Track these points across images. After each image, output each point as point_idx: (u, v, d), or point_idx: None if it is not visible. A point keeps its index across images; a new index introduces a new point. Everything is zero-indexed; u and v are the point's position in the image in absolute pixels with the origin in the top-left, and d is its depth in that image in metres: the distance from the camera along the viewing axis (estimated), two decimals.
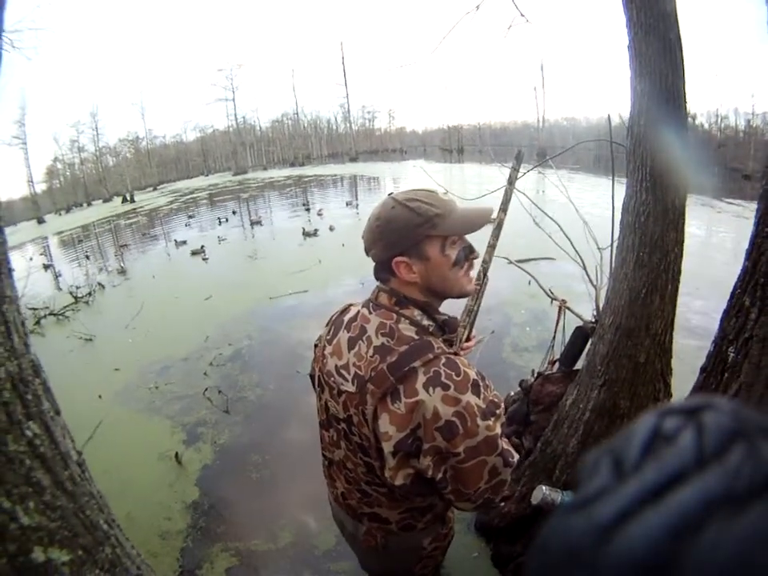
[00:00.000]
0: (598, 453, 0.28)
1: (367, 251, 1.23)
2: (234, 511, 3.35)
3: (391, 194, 1.19)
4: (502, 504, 2.63)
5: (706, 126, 35.46)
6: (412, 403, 1.05)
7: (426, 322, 1.18)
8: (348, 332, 1.24)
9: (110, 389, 5.37)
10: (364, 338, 1.18)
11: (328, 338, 1.33)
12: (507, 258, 3.56)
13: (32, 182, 43.99)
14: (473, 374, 1.09)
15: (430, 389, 1.04)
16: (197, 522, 3.26)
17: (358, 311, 1.27)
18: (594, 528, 0.23)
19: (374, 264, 1.24)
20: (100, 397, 5.19)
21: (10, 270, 1.15)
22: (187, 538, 3.12)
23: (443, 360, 1.08)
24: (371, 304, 1.23)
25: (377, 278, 1.26)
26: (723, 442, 0.24)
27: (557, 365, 3.13)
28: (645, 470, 0.24)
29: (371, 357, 1.13)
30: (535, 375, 3.16)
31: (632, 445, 0.26)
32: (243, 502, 3.42)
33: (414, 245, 1.14)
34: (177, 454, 3.92)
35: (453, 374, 1.06)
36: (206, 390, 4.98)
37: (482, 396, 1.07)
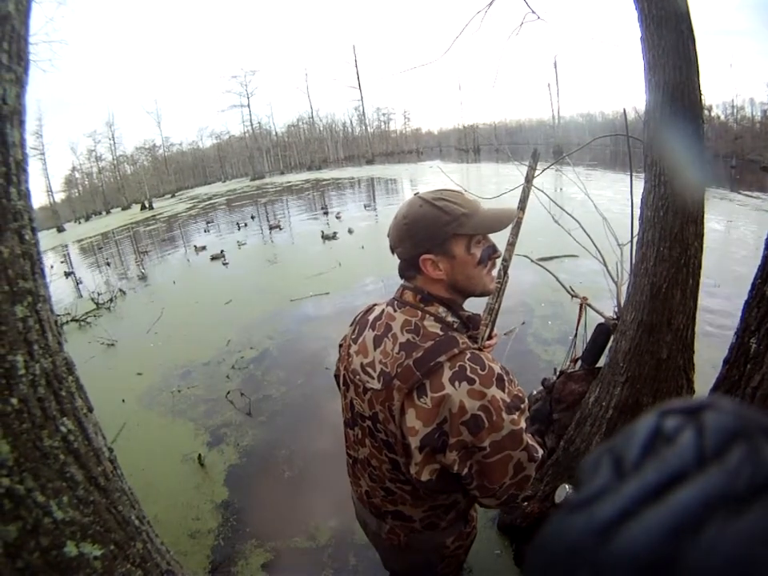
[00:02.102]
0: (598, 452, 0.28)
1: (393, 249, 1.24)
2: (265, 509, 3.37)
3: (417, 193, 1.21)
4: (525, 504, 2.62)
5: (722, 117, 34.65)
6: (438, 397, 1.06)
7: (450, 319, 1.19)
8: (373, 330, 1.26)
9: (133, 393, 5.44)
10: (389, 336, 1.19)
11: (353, 337, 1.34)
12: (529, 257, 3.55)
13: (51, 191, 44.86)
14: (497, 369, 1.10)
15: (456, 383, 1.05)
16: (227, 520, 3.28)
17: (383, 310, 1.28)
18: (595, 527, 0.24)
19: (399, 262, 1.25)
20: (123, 401, 5.26)
21: (43, 271, 1.19)
22: (218, 537, 3.15)
23: (468, 355, 1.09)
24: (396, 302, 1.24)
25: (402, 276, 1.27)
26: (723, 442, 0.24)
27: (579, 363, 3.11)
28: (645, 470, 0.25)
29: (397, 353, 1.15)
30: (557, 373, 3.14)
31: (632, 444, 0.26)
32: (274, 500, 3.44)
33: (440, 243, 1.15)
34: (200, 455, 3.96)
35: (478, 368, 1.07)
36: (229, 392, 5.02)
37: (506, 390, 1.09)
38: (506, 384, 1.10)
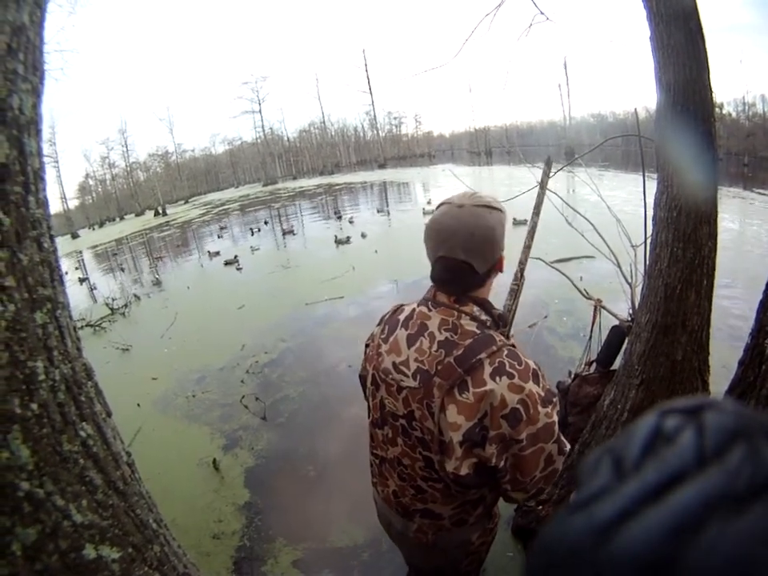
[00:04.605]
0: (598, 452, 0.29)
1: (471, 263, 1.18)
2: (290, 509, 3.38)
3: (463, 206, 1.18)
4: (540, 507, 2.61)
5: (734, 114, 34.34)
6: (480, 393, 1.09)
7: (484, 317, 1.22)
8: (406, 330, 1.28)
9: (148, 398, 5.49)
10: (425, 335, 1.22)
11: (382, 336, 1.35)
12: (543, 260, 3.54)
13: (65, 198, 45.56)
14: (532, 364, 1.15)
15: (497, 378, 1.10)
16: (252, 521, 3.30)
17: (414, 309, 1.30)
18: (595, 527, 0.24)
19: (459, 274, 1.20)
20: (138, 405, 5.31)
21: (62, 277, 1.20)
22: (243, 537, 3.17)
23: (506, 351, 1.14)
24: (429, 302, 1.26)
25: (463, 292, 1.23)
26: (723, 442, 0.24)
27: (594, 365, 3.09)
28: (645, 470, 0.25)
29: (435, 351, 1.18)
30: (572, 376, 3.12)
31: (632, 444, 0.27)
32: (297, 500, 3.46)
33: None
34: (214, 460, 3.99)
35: (515, 363, 1.12)
36: (243, 397, 5.05)
37: (541, 384, 1.13)
38: (541, 379, 1.14)
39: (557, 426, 1.15)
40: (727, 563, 0.20)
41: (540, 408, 1.10)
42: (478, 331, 1.17)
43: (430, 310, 1.24)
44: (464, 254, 1.16)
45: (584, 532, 0.24)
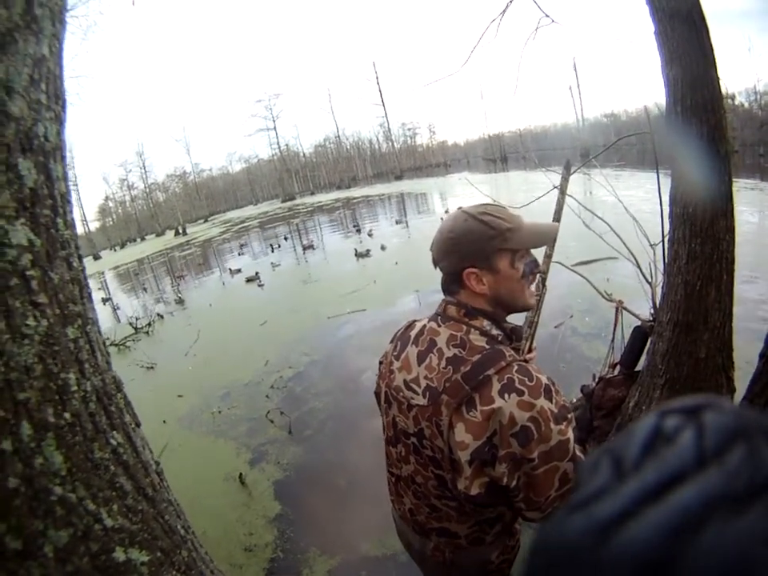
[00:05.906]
0: (598, 453, 0.29)
1: (436, 263, 1.24)
2: (322, 520, 3.39)
3: (460, 208, 1.21)
4: None
5: (746, 105, 33.36)
6: (488, 411, 1.05)
7: (495, 332, 1.18)
8: (417, 346, 1.25)
9: (174, 414, 5.56)
10: (434, 351, 1.19)
11: (395, 354, 1.33)
12: (562, 264, 3.53)
13: (85, 220, 46.95)
14: (544, 380, 1.09)
15: (506, 395, 1.04)
16: (283, 533, 3.31)
17: (425, 325, 1.28)
18: (594, 527, 0.24)
19: (442, 276, 1.26)
20: (164, 422, 5.38)
21: (90, 295, 1.26)
22: (276, 549, 3.18)
23: (515, 367, 1.08)
24: (439, 317, 1.24)
25: (445, 291, 1.26)
26: (723, 442, 0.24)
27: (617, 368, 3.06)
28: (645, 470, 0.25)
29: (444, 368, 1.14)
30: (596, 380, 3.09)
31: (632, 444, 0.27)
32: (330, 511, 3.46)
33: (485, 257, 1.16)
34: (240, 474, 4.01)
35: (526, 379, 1.06)
36: (269, 412, 5.08)
37: (554, 401, 1.07)
38: (554, 394, 1.08)
39: (572, 444, 1.09)
40: (727, 563, 0.20)
41: (553, 425, 1.04)
42: (487, 346, 1.14)
43: (439, 326, 1.22)
44: (435, 254, 1.24)
45: (584, 532, 0.24)
